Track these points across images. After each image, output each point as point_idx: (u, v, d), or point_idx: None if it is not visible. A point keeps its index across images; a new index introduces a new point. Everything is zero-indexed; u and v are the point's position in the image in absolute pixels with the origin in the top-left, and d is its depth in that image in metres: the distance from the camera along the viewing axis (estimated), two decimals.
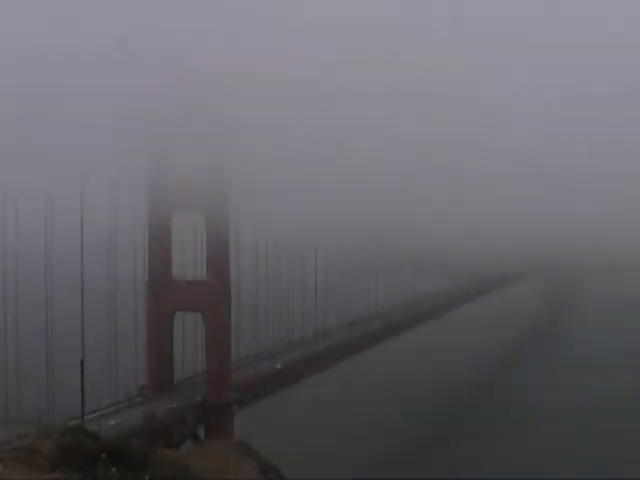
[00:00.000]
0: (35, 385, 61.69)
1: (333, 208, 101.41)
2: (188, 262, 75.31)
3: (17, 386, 60.19)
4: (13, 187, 62.01)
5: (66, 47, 79.06)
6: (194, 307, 72.02)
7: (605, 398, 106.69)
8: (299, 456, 75.59)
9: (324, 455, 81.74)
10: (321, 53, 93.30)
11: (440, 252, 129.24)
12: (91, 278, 65.47)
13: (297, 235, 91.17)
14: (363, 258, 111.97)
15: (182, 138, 69.65)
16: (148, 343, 72.68)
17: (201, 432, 70.32)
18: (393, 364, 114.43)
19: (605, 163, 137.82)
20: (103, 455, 21.09)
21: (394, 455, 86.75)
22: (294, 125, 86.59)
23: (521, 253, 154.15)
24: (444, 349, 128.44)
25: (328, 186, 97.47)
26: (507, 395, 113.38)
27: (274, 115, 79.98)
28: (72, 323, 66.66)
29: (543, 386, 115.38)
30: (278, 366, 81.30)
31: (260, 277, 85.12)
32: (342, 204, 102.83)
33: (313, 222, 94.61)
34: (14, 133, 72.07)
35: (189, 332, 74.69)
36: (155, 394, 69.85)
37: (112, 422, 59.81)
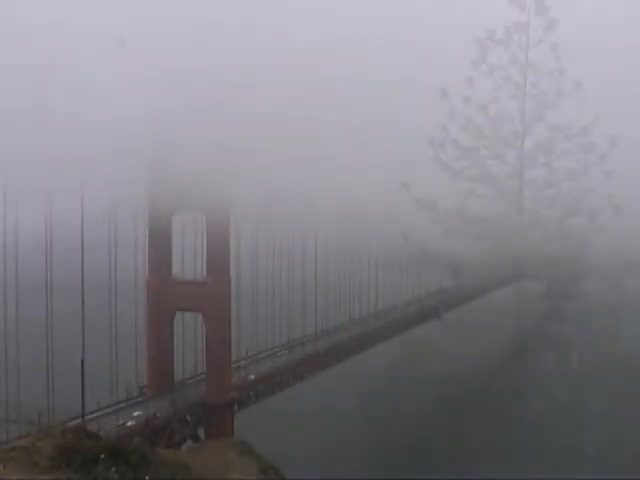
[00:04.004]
0: (35, 385, 61.72)
1: (333, 207, 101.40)
2: (188, 262, 75.43)
3: (17, 386, 60.20)
4: (13, 187, 62.09)
5: (65, 45, 79.09)
6: (194, 307, 72.06)
7: (605, 398, 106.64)
8: (299, 456, 75.60)
9: (324, 455, 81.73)
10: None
11: (441, 250, 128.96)
12: (91, 278, 65.50)
13: (297, 234, 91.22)
14: (363, 257, 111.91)
15: (182, 137, 69.71)
16: (148, 343, 72.79)
17: (201, 432, 70.36)
18: (394, 363, 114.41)
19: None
20: (103, 455, 21.11)
21: (394, 455, 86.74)
22: (294, 124, 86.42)
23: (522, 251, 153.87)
24: (444, 348, 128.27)
25: (328, 185, 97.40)
26: (507, 395, 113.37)
27: (274, 114, 79.94)
28: (72, 323, 66.72)
29: (543, 386, 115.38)
30: (279, 365, 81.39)
31: (260, 277, 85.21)
32: (343, 203, 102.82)
33: (313, 221, 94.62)
34: (14, 132, 72.03)
35: (189, 332, 74.76)
36: (155, 394, 69.93)
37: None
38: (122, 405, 66.54)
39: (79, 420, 55.89)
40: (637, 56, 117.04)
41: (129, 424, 62.26)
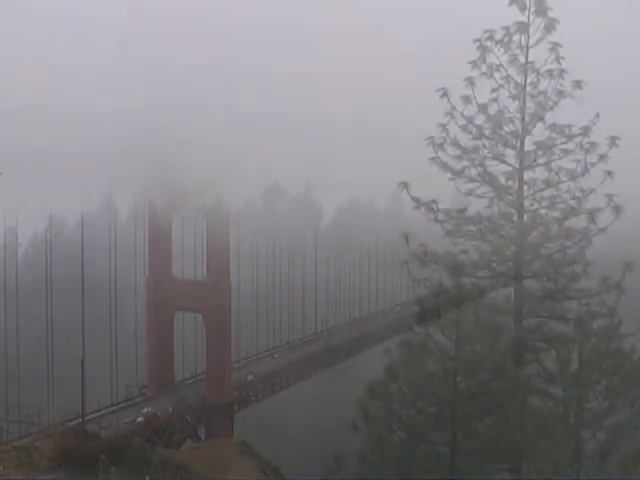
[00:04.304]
0: (35, 385, 61.70)
1: (333, 207, 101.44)
2: (188, 262, 75.40)
3: (17, 386, 60.20)
4: (13, 187, 62.11)
5: (66, 46, 79.22)
6: (194, 307, 72.06)
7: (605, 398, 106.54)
8: (299, 456, 75.49)
9: (324, 455, 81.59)
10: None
11: (441, 250, 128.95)
12: (92, 278, 65.50)
13: (297, 234, 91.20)
14: (363, 257, 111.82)
15: (183, 138, 69.80)
16: (149, 343, 72.79)
17: (201, 432, 70.34)
18: (393, 363, 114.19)
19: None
20: (103, 455, 21.05)
21: (394, 455, 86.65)
22: (294, 124, 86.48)
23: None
24: (443, 348, 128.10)
25: (328, 184, 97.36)
26: (506, 394, 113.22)
27: (274, 114, 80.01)
28: (73, 322, 66.71)
29: (543, 386, 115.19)
30: (278, 365, 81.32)
31: (260, 277, 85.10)
32: (343, 202, 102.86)
33: (313, 221, 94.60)
34: (15, 133, 72.14)
35: (189, 332, 74.69)
36: (155, 394, 69.95)
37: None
38: (122, 405, 66.64)
39: (80, 420, 55.90)
40: (637, 56, 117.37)
41: (139, 420, 62.75)
